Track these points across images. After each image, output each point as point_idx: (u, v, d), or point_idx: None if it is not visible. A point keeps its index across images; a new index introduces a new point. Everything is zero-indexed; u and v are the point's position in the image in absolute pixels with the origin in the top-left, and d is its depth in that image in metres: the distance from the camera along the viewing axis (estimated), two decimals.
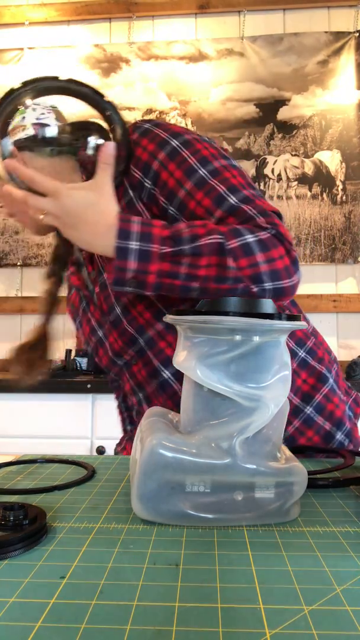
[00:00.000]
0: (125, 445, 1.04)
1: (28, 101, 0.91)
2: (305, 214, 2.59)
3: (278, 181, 2.62)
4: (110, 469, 0.69)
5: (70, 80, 0.90)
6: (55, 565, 0.40)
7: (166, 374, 0.85)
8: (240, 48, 2.64)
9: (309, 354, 0.90)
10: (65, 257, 0.90)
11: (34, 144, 0.89)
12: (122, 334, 0.87)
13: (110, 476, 0.66)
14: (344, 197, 2.57)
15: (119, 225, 0.72)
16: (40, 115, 0.91)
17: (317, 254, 2.56)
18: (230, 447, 0.48)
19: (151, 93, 2.69)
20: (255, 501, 0.49)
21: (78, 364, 2.29)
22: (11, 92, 0.87)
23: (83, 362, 2.30)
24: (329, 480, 0.61)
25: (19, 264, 2.68)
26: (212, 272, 0.72)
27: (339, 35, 2.60)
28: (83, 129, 0.92)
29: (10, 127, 0.89)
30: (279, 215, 0.77)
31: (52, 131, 0.92)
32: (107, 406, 2.05)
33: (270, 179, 2.63)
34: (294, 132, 2.61)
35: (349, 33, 2.59)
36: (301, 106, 2.61)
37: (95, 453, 2.03)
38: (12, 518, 0.45)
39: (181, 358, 0.51)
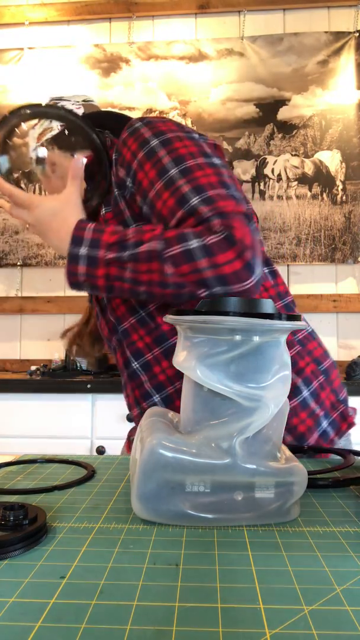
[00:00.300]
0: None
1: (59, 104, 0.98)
2: (305, 214, 2.59)
3: (278, 181, 2.62)
4: (110, 469, 0.69)
5: (35, 105, 0.96)
6: (55, 565, 0.40)
7: (135, 364, 0.90)
8: (240, 48, 2.64)
9: None
10: None
11: (57, 142, 0.96)
12: (107, 321, 0.95)
13: (110, 476, 0.66)
14: (344, 197, 2.57)
15: (73, 232, 0.80)
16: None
17: (317, 254, 2.56)
18: (230, 447, 0.48)
19: (151, 93, 2.69)
20: (255, 501, 0.49)
21: (78, 364, 2.29)
22: (9, 115, 0.94)
23: (83, 362, 2.30)
24: (329, 480, 0.61)
25: (19, 264, 2.68)
26: (154, 277, 0.75)
27: (339, 35, 2.60)
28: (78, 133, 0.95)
29: (40, 131, 0.98)
30: (247, 217, 0.75)
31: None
32: (107, 406, 2.05)
33: (270, 179, 2.63)
34: (294, 132, 2.61)
35: (349, 33, 2.59)
36: (301, 106, 2.61)
37: (95, 453, 2.03)
38: (12, 518, 0.45)
39: (181, 358, 0.51)
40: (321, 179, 2.59)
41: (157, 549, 0.43)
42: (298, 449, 0.82)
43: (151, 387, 0.89)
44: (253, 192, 2.63)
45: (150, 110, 2.69)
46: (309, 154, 2.60)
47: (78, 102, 0.99)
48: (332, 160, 2.59)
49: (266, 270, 0.91)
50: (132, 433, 1.02)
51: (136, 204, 0.85)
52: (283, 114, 2.62)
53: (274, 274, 0.93)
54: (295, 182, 2.61)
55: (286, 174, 2.61)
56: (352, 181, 2.58)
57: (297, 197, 2.60)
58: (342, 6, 2.63)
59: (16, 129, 0.93)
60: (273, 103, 2.62)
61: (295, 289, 2.60)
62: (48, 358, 2.56)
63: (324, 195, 2.59)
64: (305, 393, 0.88)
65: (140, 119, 0.87)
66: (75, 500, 0.56)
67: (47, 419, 2.07)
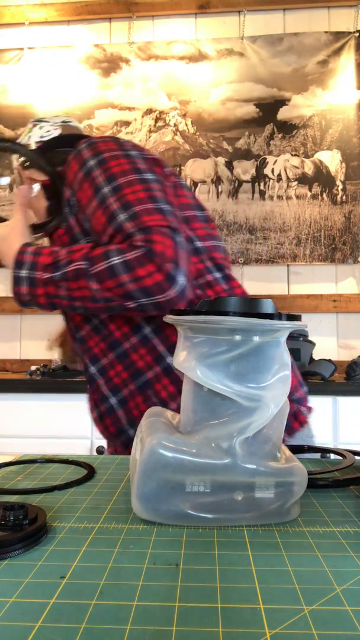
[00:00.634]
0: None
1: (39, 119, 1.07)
2: (305, 214, 2.59)
3: (278, 181, 2.62)
4: (110, 469, 0.69)
5: None
6: (55, 565, 0.40)
7: (92, 369, 0.97)
8: (240, 48, 2.64)
9: None
10: None
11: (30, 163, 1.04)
12: (70, 329, 1.02)
13: (110, 476, 0.66)
14: (344, 197, 2.57)
15: (15, 257, 0.89)
16: (45, 134, 1.04)
17: (317, 254, 2.56)
18: (230, 447, 0.48)
19: (151, 93, 2.69)
20: (255, 501, 0.49)
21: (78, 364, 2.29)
22: None
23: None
24: (329, 480, 0.61)
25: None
26: (85, 293, 0.82)
27: (339, 35, 2.60)
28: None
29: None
30: (172, 229, 0.80)
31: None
32: None
33: (270, 179, 2.63)
34: (294, 132, 2.61)
35: (349, 33, 2.59)
36: (301, 106, 2.61)
37: (95, 453, 2.03)
38: (12, 518, 0.45)
39: (181, 358, 0.51)
40: (321, 179, 2.59)
41: (157, 549, 0.43)
42: (298, 449, 0.82)
43: (107, 390, 0.95)
44: (253, 192, 2.63)
45: (150, 110, 2.69)
46: (309, 154, 2.60)
47: (57, 122, 1.06)
48: (332, 160, 2.59)
49: (218, 276, 0.96)
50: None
51: (81, 221, 0.93)
52: (283, 114, 2.62)
53: (227, 278, 0.97)
54: (295, 182, 2.61)
55: (286, 174, 2.62)
56: (352, 181, 2.58)
57: (297, 197, 2.60)
58: (342, 6, 2.63)
59: None
60: (273, 103, 2.63)
61: (295, 289, 2.60)
62: (48, 358, 2.56)
63: (324, 195, 2.59)
64: None
65: (85, 140, 0.94)
66: (75, 500, 0.56)
67: (47, 419, 2.07)
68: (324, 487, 0.60)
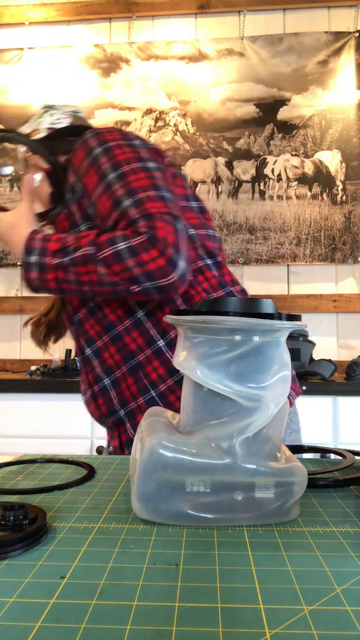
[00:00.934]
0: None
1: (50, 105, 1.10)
2: (305, 214, 2.59)
3: (278, 181, 2.62)
4: (110, 469, 0.69)
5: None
6: (55, 565, 0.40)
7: (88, 351, 1.01)
8: (240, 48, 2.64)
9: None
10: None
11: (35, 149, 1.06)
12: (67, 312, 1.06)
13: (110, 476, 0.66)
14: (344, 197, 2.57)
15: (25, 244, 0.92)
16: (55, 121, 1.07)
17: (317, 254, 2.56)
18: (230, 447, 0.48)
19: (151, 93, 2.69)
20: (255, 501, 0.49)
21: (78, 364, 2.29)
22: None
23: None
24: (329, 480, 0.61)
25: (19, 264, 2.68)
26: (93, 277, 0.86)
27: (339, 35, 2.60)
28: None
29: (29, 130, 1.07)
30: (173, 216, 0.84)
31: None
32: None
33: (270, 179, 2.63)
34: (294, 132, 2.61)
35: (349, 33, 2.59)
36: (301, 106, 2.61)
37: (95, 453, 2.03)
38: (12, 518, 0.44)
39: (181, 358, 0.51)
40: (321, 179, 2.59)
41: (157, 549, 0.43)
42: (298, 449, 0.82)
43: (102, 370, 0.99)
44: (253, 192, 2.63)
45: (150, 110, 2.69)
46: (309, 154, 2.60)
47: (67, 111, 1.09)
48: (332, 160, 2.59)
49: (210, 262, 1.00)
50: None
51: (84, 206, 0.96)
52: (283, 114, 2.62)
53: (219, 265, 1.02)
54: (295, 182, 2.61)
55: (286, 174, 2.62)
56: (352, 181, 2.58)
57: (297, 197, 2.60)
58: (342, 6, 2.63)
59: None
60: (273, 103, 2.63)
61: (295, 289, 2.60)
62: (48, 358, 2.56)
63: (324, 195, 2.59)
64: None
65: (91, 130, 0.98)
66: (75, 500, 0.56)
67: (47, 419, 2.07)
68: (324, 487, 0.60)
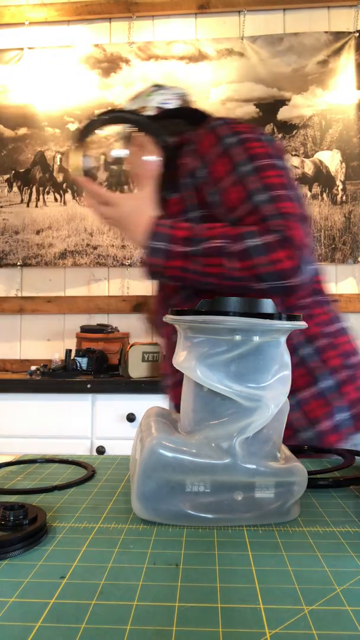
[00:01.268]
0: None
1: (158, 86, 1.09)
2: None
3: None
4: (110, 469, 0.69)
5: (121, 111, 1.06)
6: (55, 565, 0.40)
7: (174, 338, 0.98)
8: (240, 48, 2.64)
9: (312, 354, 0.90)
10: None
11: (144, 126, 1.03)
12: (161, 296, 1.04)
13: (110, 476, 0.66)
14: (344, 197, 2.57)
15: (152, 228, 0.89)
16: (164, 101, 1.05)
17: (317, 254, 2.56)
18: (230, 447, 0.48)
19: None
20: (255, 501, 0.49)
21: (78, 364, 2.29)
22: (93, 122, 1.02)
23: (83, 362, 2.30)
24: (329, 480, 0.61)
25: (19, 264, 2.68)
26: (219, 270, 0.84)
27: (339, 35, 2.60)
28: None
29: (136, 107, 1.05)
30: (303, 218, 0.83)
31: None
32: (107, 406, 2.05)
33: None
34: (294, 132, 2.61)
35: (349, 33, 2.59)
36: (301, 106, 2.61)
37: (95, 453, 2.03)
38: (12, 518, 0.45)
39: (181, 358, 0.51)
40: (321, 179, 2.59)
41: (157, 549, 0.43)
42: (298, 449, 0.82)
43: None
44: None
45: None
46: (309, 154, 2.60)
47: (177, 93, 1.08)
48: (332, 160, 2.59)
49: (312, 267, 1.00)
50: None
51: (204, 193, 0.92)
52: (283, 114, 2.62)
53: (317, 271, 0.99)
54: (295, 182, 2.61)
55: None
56: (352, 181, 2.58)
57: None
58: (342, 6, 2.63)
59: (96, 132, 1.04)
60: (273, 103, 2.62)
61: None
62: (48, 358, 2.56)
63: (324, 195, 2.59)
64: (322, 385, 0.91)
65: (220, 118, 0.95)
66: (75, 500, 0.56)
67: (47, 419, 2.07)
68: (324, 487, 0.60)
